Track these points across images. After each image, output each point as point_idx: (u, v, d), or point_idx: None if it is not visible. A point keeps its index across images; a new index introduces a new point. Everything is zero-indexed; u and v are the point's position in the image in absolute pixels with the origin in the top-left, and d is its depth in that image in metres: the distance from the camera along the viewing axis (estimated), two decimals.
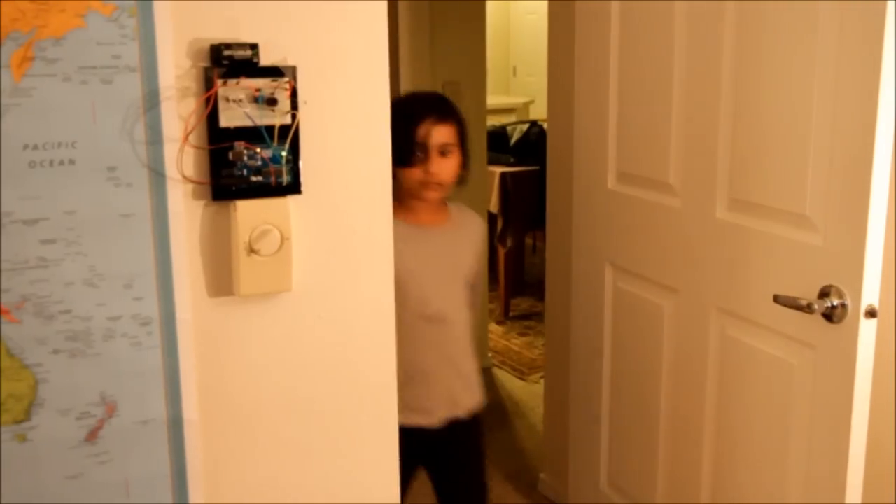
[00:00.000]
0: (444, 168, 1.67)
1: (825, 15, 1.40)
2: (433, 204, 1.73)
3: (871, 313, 1.36)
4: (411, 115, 1.65)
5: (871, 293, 1.36)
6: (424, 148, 1.65)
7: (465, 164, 1.74)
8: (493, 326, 3.49)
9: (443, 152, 1.66)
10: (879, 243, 1.35)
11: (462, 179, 1.78)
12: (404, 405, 1.66)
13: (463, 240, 1.79)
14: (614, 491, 2.17)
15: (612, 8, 1.97)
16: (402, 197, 1.70)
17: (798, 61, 1.46)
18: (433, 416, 1.75)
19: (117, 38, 0.97)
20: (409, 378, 1.64)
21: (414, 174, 1.66)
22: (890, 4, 1.27)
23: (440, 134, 1.66)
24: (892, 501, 1.62)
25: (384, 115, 1.15)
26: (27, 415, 1.00)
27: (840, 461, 1.42)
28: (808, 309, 1.42)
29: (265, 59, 1.04)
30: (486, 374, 3.03)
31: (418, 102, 1.71)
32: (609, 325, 2.11)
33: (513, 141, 4.03)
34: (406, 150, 1.62)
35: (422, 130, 1.64)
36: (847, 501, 1.42)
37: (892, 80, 1.30)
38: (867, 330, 1.37)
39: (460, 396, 1.78)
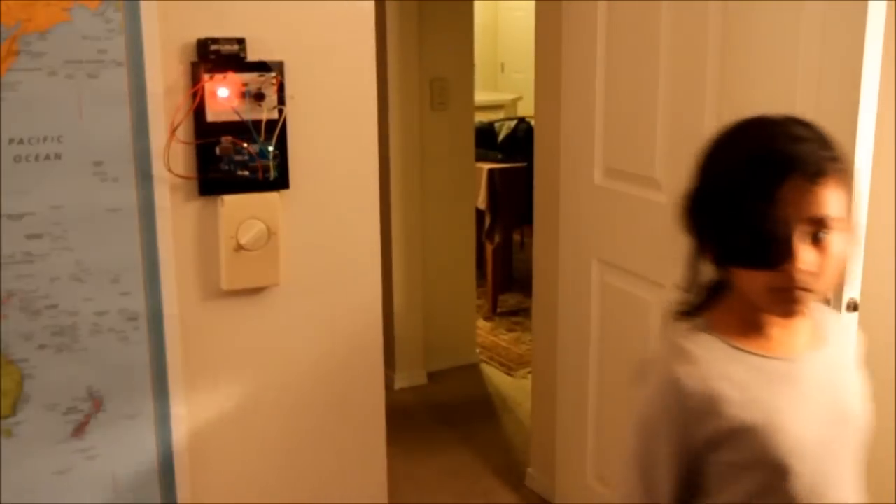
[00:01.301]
0: (823, 261, 0.86)
1: (808, 11, 1.41)
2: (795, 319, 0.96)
3: (853, 307, 1.38)
4: (754, 167, 0.87)
5: (853, 287, 1.38)
6: (783, 230, 0.85)
7: (851, 242, 0.94)
8: (481, 322, 3.50)
9: (818, 235, 0.85)
10: (861, 238, 1.37)
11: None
12: None
13: (848, 369, 1.02)
14: (601, 484, 2.18)
15: (598, 6, 1.98)
16: (740, 306, 0.94)
17: (782, 57, 1.48)
18: None
19: (103, 32, 0.97)
20: None
21: (762, 277, 0.87)
22: (870, 4, 1.29)
23: (818, 202, 0.85)
24: (892, 501, 1.63)
25: (371, 110, 1.15)
26: (13, 410, 1.00)
27: None
28: None
29: (252, 55, 1.05)
30: (475, 370, 3.03)
31: (765, 142, 0.89)
32: (596, 321, 2.12)
33: (500, 137, 4.03)
34: (747, 236, 0.87)
35: (781, 200, 0.84)
36: None
37: (875, 77, 1.32)
38: (850, 323, 1.39)
39: None
